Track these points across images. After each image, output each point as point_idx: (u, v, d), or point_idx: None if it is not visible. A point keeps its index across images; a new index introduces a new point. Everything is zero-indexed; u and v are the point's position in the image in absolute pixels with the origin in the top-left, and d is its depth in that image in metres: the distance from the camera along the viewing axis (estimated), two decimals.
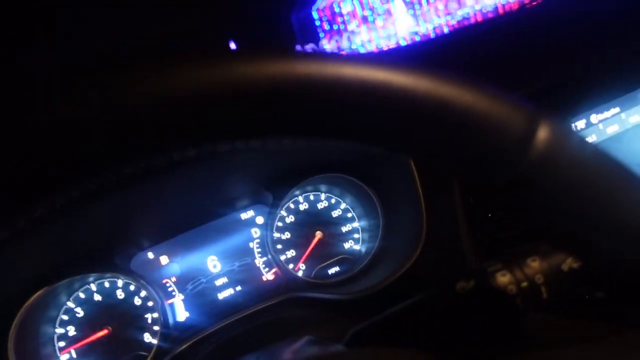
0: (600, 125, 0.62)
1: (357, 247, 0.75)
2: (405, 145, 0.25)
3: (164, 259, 0.71)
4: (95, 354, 0.66)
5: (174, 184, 0.64)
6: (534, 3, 1.02)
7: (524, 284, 0.38)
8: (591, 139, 0.61)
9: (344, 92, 0.23)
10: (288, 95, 0.22)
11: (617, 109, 0.62)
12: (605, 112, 0.62)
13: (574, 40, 0.70)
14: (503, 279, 0.39)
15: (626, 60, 0.64)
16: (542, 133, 0.24)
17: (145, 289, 0.67)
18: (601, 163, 0.25)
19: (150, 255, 0.70)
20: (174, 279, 0.71)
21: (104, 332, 0.66)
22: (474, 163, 0.25)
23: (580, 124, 0.61)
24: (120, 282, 0.68)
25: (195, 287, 0.71)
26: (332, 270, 0.73)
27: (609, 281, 0.29)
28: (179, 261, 0.71)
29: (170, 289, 0.70)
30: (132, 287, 0.68)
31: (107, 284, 0.68)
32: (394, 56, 0.75)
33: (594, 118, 0.62)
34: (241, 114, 0.21)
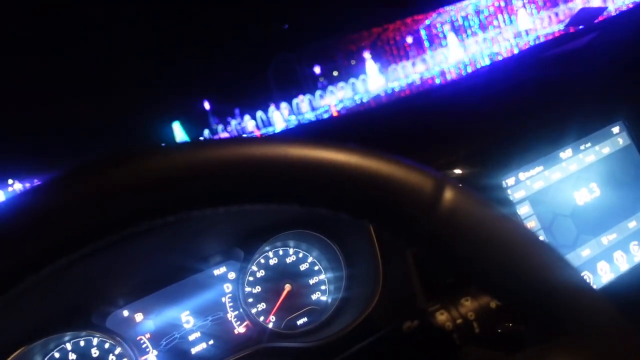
0: (528, 182, 0.71)
1: (323, 298, 0.80)
2: (340, 210, 0.32)
3: (138, 316, 0.74)
4: None
5: (151, 245, 0.69)
6: (484, 69, 1.15)
7: (459, 320, 0.45)
8: (521, 193, 0.71)
9: (291, 169, 0.30)
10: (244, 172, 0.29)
11: (541, 168, 0.72)
12: (531, 170, 0.71)
13: (503, 110, 0.81)
14: (441, 317, 0.45)
15: (547, 126, 0.75)
16: (447, 195, 0.31)
17: (121, 346, 0.69)
18: (494, 217, 0.32)
19: (126, 313, 0.73)
20: (148, 335, 0.73)
21: None
22: (395, 221, 0.32)
23: (510, 181, 0.71)
24: (95, 341, 0.70)
25: (169, 342, 0.74)
26: (300, 321, 0.78)
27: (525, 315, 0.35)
28: (153, 318, 0.74)
29: (144, 346, 0.73)
30: (106, 345, 0.70)
31: (82, 343, 0.70)
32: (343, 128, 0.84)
33: (522, 175, 0.71)
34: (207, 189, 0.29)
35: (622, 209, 0.74)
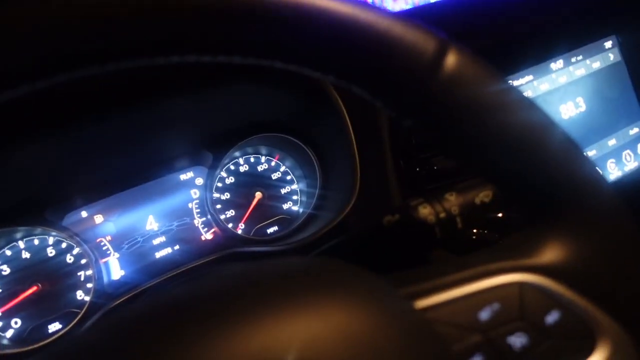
0: None
1: (295, 207, 0.77)
2: (331, 69, 0.28)
3: (98, 218, 0.69)
4: (23, 311, 0.63)
5: (108, 134, 0.63)
6: None
7: (442, 215, 0.42)
8: None
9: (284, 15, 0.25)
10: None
11: (530, 77, 0.69)
12: (520, 79, 0.68)
13: (495, 12, 0.75)
14: (424, 210, 0.42)
15: (539, 34, 0.71)
16: (451, 58, 0.27)
17: (80, 246, 0.65)
18: (500, 86, 0.29)
19: (84, 213, 0.68)
20: (109, 237, 0.69)
21: (33, 289, 0.64)
22: (389, 83, 0.27)
23: None
24: (50, 239, 0.66)
25: (132, 246, 0.71)
26: (270, 230, 0.75)
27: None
28: (114, 220, 0.70)
29: (105, 248, 0.69)
30: (63, 245, 0.66)
31: (36, 241, 0.65)
32: None
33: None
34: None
35: (605, 126, 0.73)
